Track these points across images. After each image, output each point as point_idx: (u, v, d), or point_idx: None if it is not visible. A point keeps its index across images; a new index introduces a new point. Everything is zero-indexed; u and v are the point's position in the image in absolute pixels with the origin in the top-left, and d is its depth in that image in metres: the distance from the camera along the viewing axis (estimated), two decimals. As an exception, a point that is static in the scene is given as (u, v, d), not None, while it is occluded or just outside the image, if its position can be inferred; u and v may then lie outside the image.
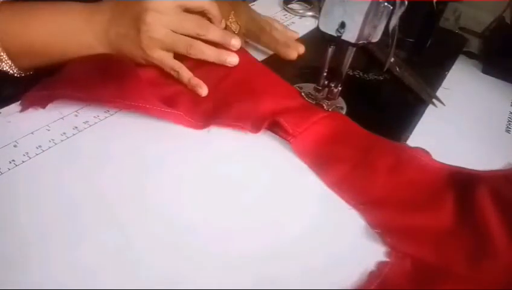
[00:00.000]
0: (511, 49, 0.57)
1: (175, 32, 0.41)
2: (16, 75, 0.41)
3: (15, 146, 0.34)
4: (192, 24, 0.42)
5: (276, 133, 0.39)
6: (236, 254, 0.29)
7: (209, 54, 0.43)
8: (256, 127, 0.39)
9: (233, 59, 0.43)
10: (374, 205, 0.34)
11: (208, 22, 0.43)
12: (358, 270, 0.29)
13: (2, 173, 0.32)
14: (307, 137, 0.39)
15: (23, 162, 0.33)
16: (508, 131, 0.48)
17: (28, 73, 0.42)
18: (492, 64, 0.59)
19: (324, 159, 0.37)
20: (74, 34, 0.41)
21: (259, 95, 0.42)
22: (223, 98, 0.41)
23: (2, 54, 0.38)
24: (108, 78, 0.40)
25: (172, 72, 0.42)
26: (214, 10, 0.43)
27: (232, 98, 0.41)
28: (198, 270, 0.28)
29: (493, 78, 0.58)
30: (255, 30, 0.51)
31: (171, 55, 0.42)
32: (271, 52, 0.53)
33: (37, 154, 0.34)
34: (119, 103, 0.38)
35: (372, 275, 0.29)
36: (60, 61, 0.41)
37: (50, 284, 0.26)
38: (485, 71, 0.59)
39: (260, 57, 0.52)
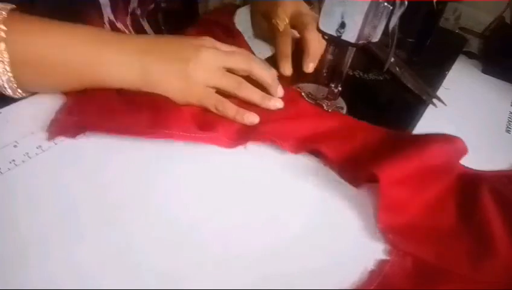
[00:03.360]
0: (511, 49, 0.57)
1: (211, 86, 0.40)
2: (14, 95, 0.36)
3: (15, 146, 0.34)
4: (231, 80, 0.40)
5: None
6: (236, 254, 0.29)
7: (256, 96, 0.41)
8: (295, 148, 0.37)
9: (276, 104, 0.41)
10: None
11: (246, 82, 0.41)
12: (358, 270, 0.29)
13: (2, 173, 0.32)
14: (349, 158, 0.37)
15: (23, 162, 0.33)
16: (508, 131, 0.48)
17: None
18: (492, 64, 0.59)
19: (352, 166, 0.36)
20: (95, 56, 0.37)
21: (295, 116, 0.41)
22: (260, 117, 0.39)
23: (6, 67, 0.34)
24: (141, 104, 0.37)
25: (213, 108, 0.39)
26: (259, 73, 0.41)
27: (267, 117, 0.40)
28: (199, 270, 0.28)
29: (493, 78, 0.58)
30: (299, 26, 0.50)
31: (213, 90, 0.40)
32: (272, 52, 0.53)
33: (37, 155, 0.34)
34: (155, 133, 0.35)
35: (372, 274, 0.29)
36: (73, 89, 0.38)
37: (50, 284, 0.25)
38: (485, 71, 0.59)
39: (262, 56, 0.52)
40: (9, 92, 0.35)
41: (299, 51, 0.49)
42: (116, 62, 0.37)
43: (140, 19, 0.53)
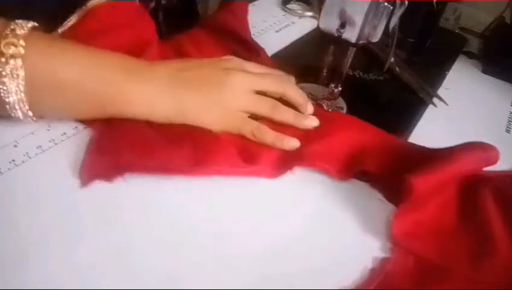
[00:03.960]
0: (511, 49, 0.57)
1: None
2: (24, 118, 0.33)
3: (15, 146, 0.34)
4: (266, 104, 0.38)
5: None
6: (236, 254, 0.29)
7: (291, 117, 0.39)
8: (341, 172, 0.36)
9: (312, 123, 0.40)
10: None
11: (280, 104, 0.39)
12: (359, 269, 0.29)
13: (2, 173, 0.32)
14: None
15: (23, 162, 0.33)
16: (508, 131, 0.48)
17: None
18: (492, 64, 0.59)
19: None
20: (118, 83, 0.34)
21: (329, 132, 0.39)
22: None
23: (18, 73, 0.30)
24: (178, 137, 0.34)
25: (250, 135, 0.37)
26: (293, 94, 0.40)
27: (304, 137, 0.38)
28: (199, 270, 0.28)
29: (493, 78, 0.58)
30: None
31: (246, 115, 0.38)
32: (274, 51, 0.53)
33: (37, 154, 0.34)
34: (203, 170, 0.33)
35: (373, 273, 0.29)
36: (93, 118, 0.35)
37: (50, 284, 0.25)
38: (485, 71, 0.59)
39: (269, 53, 0.51)
40: (19, 114, 0.32)
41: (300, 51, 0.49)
42: (142, 91, 0.35)
43: None
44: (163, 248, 0.29)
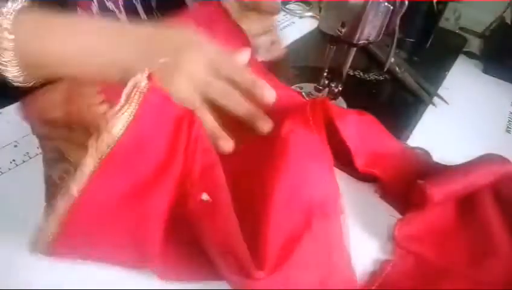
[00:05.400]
0: (511, 49, 0.57)
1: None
2: (17, 84, 0.32)
3: (15, 146, 0.34)
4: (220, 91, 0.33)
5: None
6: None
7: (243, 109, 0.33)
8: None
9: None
10: None
11: (237, 94, 0.33)
12: (359, 269, 0.29)
13: (2, 173, 0.32)
14: None
15: (23, 161, 0.33)
16: (508, 131, 0.48)
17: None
18: (492, 64, 0.59)
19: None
20: (103, 50, 0.32)
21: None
22: None
23: (12, 61, 0.31)
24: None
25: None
26: (245, 82, 0.33)
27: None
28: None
29: (493, 78, 0.58)
30: None
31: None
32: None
33: (37, 154, 0.34)
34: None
35: (374, 274, 0.29)
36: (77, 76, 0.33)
37: (50, 284, 0.26)
38: (486, 71, 0.59)
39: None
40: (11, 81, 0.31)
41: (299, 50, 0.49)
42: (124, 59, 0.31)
43: (134, 0, 0.51)
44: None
